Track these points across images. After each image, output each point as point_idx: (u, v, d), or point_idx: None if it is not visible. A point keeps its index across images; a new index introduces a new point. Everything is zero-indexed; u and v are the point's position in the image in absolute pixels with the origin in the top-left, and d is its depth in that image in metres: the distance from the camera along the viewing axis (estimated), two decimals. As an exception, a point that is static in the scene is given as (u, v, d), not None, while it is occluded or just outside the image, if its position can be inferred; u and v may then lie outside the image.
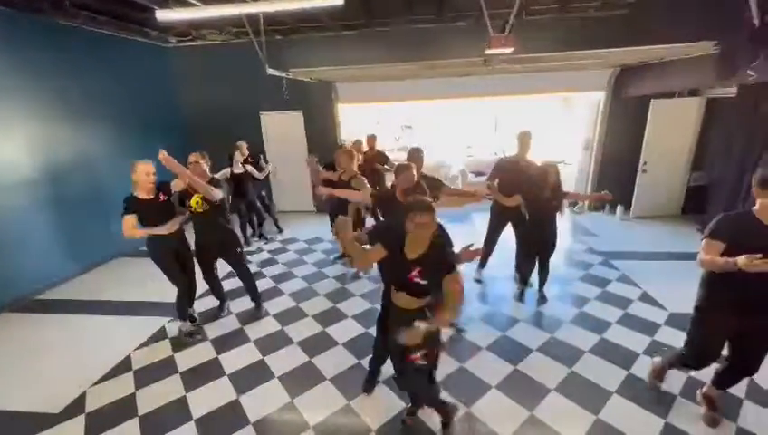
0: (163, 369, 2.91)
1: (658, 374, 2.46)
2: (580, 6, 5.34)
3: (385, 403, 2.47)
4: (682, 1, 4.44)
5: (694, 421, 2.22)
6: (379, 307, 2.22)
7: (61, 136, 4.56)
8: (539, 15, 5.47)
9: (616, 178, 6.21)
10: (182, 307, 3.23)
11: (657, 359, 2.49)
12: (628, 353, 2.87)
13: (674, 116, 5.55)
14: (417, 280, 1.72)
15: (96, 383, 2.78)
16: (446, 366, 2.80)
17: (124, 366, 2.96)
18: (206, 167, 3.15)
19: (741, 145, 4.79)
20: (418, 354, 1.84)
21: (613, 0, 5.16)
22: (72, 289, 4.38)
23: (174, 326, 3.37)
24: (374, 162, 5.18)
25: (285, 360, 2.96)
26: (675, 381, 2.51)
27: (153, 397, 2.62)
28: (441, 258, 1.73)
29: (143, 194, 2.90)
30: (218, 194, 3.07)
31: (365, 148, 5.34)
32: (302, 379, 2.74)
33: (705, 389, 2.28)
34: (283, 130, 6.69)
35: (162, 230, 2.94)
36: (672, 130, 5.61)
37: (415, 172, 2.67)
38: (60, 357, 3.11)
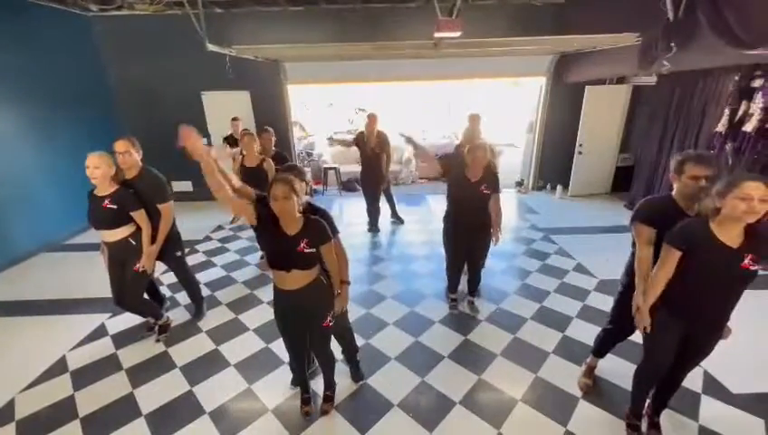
0: (105, 367, 2.73)
1: (589, 373, 2.48)
2: (523, -7, 5.56)
3: (345, 382, 2.53)
4: (612, -7, 4.78)
5: (621, 373, 2.50)
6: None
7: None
8: (484, 1, 5.60)
9: (556, 160, 6.70)
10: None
11: (584, 366, 2.52)
12: (564, 318, 3.18)
13: (605, 101, 6.05)
14: (306, 250, 1.85)
15: (26, 388, 2.54)
16: (402, 341, 2.93)
17: (59, 368, 2.73)
18: (137, 156, 2.67)
19: (659, 129, 5.36)
20: (329, 318, 2.05)
21: (553, -11, 5.44)
22: (-13, 290, 3.90)
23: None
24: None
25: (241, 348, 2.91)
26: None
27: (95, 397, 2.46)
28: (319, 229, 1.89)
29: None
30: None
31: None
32: (259, 365, 2.72)
33: (589, 360, 2.50)
34: (228, 111, 6.31)
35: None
36: (604, 114, 6.12)
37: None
38: (-22, 364, 2.80)
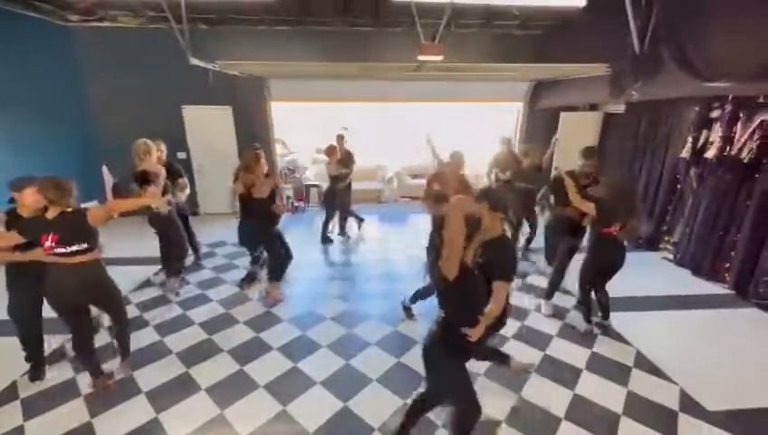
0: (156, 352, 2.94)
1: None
2: (503, 24, 5.85)
3: (380, 401, 2.47)
4: (585, 27, 5.10)
5: (649, 388, 2.57)
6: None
7: None
8: (466, 29, 5.86)
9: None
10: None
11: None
12: (587, 334, 3.19)
13: (578, 127, 6.34)
14: None
15: None
16: (384, 362, 2.85)
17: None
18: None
19: (629, 154, 5.64)
20: None
21: (531, 21, 5.75)
22: None
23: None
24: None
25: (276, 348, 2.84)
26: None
27: (155, 375, 2.68)
28: None
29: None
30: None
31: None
32: (290, 387, 2.61)
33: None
34: (209, 126, 6.25)
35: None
36: (577, 139, 6.37)
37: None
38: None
